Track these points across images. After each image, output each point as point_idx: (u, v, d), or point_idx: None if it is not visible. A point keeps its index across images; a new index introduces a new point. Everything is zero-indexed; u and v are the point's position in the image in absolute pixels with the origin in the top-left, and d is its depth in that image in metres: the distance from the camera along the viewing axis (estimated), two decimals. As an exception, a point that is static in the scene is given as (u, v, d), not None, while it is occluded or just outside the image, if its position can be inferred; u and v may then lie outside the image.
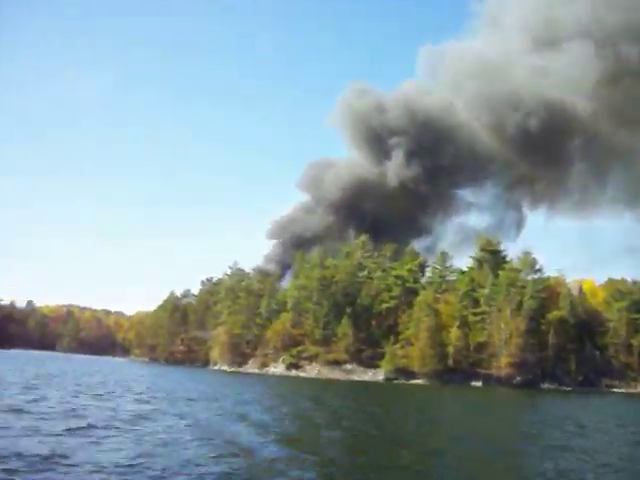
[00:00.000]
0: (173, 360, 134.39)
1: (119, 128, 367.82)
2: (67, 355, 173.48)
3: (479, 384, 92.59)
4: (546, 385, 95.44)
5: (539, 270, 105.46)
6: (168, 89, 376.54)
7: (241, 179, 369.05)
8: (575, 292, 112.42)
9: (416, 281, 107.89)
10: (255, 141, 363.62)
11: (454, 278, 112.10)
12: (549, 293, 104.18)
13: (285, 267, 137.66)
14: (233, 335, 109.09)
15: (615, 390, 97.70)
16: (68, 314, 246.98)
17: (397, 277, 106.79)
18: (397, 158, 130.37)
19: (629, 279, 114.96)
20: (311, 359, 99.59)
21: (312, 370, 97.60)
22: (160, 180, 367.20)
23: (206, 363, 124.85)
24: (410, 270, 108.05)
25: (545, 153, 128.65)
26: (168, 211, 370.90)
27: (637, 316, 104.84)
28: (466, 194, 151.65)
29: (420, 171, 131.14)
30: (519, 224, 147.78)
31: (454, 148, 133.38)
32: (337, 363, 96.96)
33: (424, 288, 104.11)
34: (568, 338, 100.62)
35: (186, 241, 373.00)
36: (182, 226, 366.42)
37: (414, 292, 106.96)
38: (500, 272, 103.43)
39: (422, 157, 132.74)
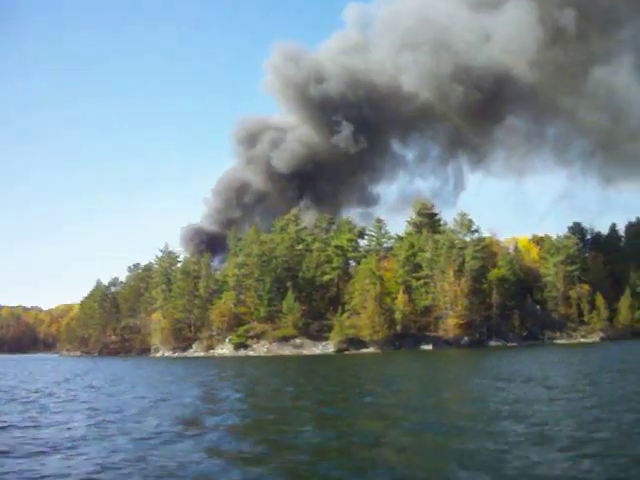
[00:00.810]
0: (107, 351, 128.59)
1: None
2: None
3: (429, 347, 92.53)
4: (493, 343, 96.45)
5: (476, 231, 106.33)
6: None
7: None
8: (510, 250, 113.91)
9: (356, 250, 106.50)
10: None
11: (390, 245, 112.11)
12: (487, 253, 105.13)
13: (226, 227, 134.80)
14: (173, 320, 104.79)
15: (557, 341, 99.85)
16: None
17: (337, 247, 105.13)
18: (344, 129, 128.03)
19: (555, 235, 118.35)
20: (258, 337, 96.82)
21: (261, 348, 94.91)
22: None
23: (143, 351, 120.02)
24: (349, 240, 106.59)
25: (486, 118, 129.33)
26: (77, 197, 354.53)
27: (572, 268, 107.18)
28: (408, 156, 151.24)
29: (364, 139, 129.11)
30: (458, 186, 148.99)
31: (396, 108, 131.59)
32: (286, 339, 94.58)
33: (365, 256, 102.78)
34: (509, 296, 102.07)
35: (99, 227, 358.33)
36: (93, 210, 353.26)
37: (355, 261, 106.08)
38: (438, 235, 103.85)
39: (366, 127, 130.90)
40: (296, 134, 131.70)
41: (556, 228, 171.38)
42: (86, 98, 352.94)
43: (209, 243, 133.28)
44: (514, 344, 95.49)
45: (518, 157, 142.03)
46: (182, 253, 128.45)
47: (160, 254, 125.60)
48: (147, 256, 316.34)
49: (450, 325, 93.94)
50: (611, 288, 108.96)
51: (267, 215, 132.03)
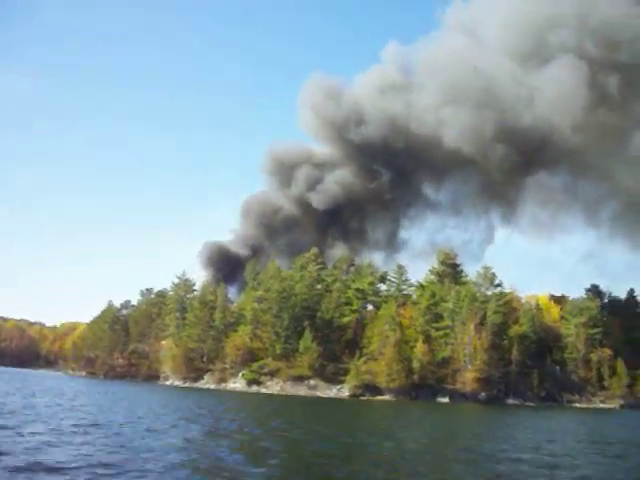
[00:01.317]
0: (113, 375, 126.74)
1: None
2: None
3: (446, 400, 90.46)
4: (510, 401, 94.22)
5: (498, 285, 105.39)
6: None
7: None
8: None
9: (377, 294, 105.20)
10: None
11: (409, 292, 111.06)
12: (508, 308, 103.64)
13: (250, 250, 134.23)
14: (186, 348, 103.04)
15: (576, 405, 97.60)
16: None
17: (357, 290, 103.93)
18: (383, 176, 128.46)
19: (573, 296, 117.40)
20: (272, 374, 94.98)
21: (274, 386, 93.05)
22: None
23: (149, 377, 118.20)
24: (370, 283, 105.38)
25: (521, 174, 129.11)
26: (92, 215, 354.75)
27: (594, 331, 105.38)
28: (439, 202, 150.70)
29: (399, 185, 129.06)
30: (487, 239, 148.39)
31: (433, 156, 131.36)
32: (300, 379, 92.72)
33: (385, 302, 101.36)
34: (529, 354, 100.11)
35: (113, 250, 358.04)
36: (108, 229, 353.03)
37: (374, 306, 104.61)
38: (460, 286, 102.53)
39: (403, 174, 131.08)
40: (335, 176, 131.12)
41: (576, 290, 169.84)
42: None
43: (229, 265, 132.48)
44: (532, 404, 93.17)
45: (548, 213, 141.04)
46: (200, 275, 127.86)
47: (176, 280, 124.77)
48: (159, 281, 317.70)
49: (468, 379, 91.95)
50: (629, 354, 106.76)
51: (292, 245, 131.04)
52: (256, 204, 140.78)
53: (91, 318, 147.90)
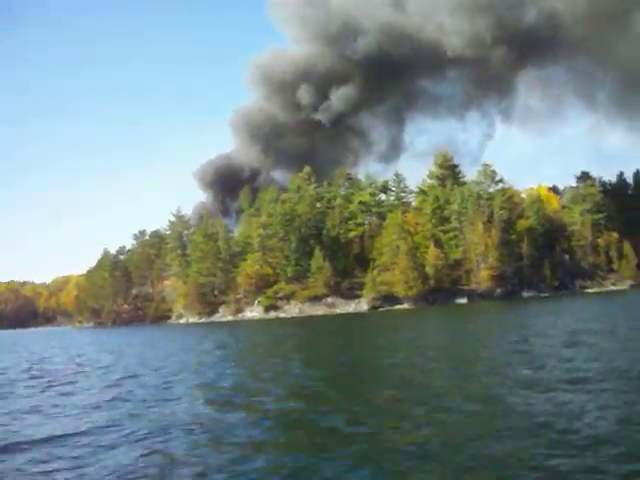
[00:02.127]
0: (120, 321, 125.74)
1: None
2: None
3: (464, 301, 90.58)
4: (526, 294, 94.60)
5: (500, 181, 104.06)
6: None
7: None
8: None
9: (380, 205, 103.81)
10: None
11: (409, 199, 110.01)
12: (511, 204, 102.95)
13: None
14: (197, 284, 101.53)
15: (588, 290, 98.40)
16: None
17: (361, 203, 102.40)
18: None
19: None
20: (287, 298, 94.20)
21: (292, 309, 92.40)
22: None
23: (157, 319, 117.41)
24: (372, 194, 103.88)
25: (516, 67, 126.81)
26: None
27: (598, 217, 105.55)
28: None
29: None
30: (487, 136, 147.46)
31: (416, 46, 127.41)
32: (317, 298, 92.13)
33: (390, 211, 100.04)
34: (538, 246, 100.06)
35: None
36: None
37: (378, 217, 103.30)
38: (460, 187, 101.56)
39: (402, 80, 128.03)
40: (338, 93, 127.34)
41: (565, 181, 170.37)
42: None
43: (232, 180, 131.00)
44: (546, 294, 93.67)
45: (546, 104, 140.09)
46: (199, 202, 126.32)
47: (172, 218, 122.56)
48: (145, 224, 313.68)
49: (483, 277, 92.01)
50: (631, 236, 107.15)
51: (286, 155, 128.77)
52: (246, 116, 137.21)
53: (83, 270, 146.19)
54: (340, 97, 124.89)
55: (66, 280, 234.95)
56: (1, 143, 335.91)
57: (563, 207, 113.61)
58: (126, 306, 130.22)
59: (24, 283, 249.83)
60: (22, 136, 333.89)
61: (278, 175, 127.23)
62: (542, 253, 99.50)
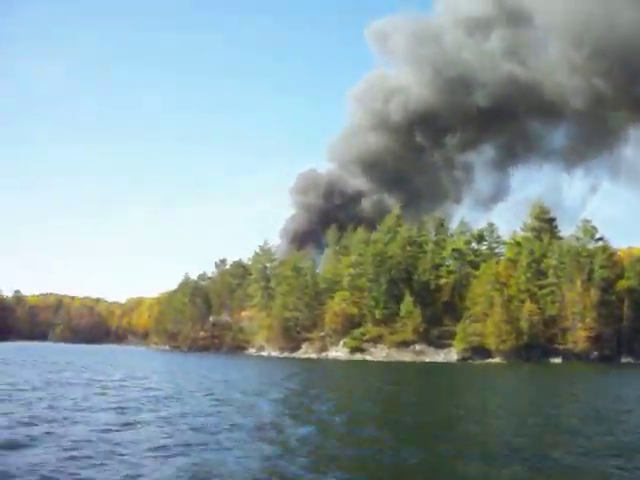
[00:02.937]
0: (195, 347, 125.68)
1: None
2: (72, 346, 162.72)
3: (558, 360, 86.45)
4: (624, 359, 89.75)
5: (600, 239, 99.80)
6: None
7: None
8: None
9: (476, 254, 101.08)
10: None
11: (500, 251, 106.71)
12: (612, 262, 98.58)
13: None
14: (282, 318, 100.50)
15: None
16: (58, 303, 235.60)
17: (454, 250, 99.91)
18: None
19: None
20: (374, 341, 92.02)
21: (379, 353, 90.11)
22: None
23: (232, 349, 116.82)
24: (467, 242, 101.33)
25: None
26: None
27: None
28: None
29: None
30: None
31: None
32: (404, 344, 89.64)
33: (484, 261, 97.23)
34: (638, 309, 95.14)
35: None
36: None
37: (473, 266, 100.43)
38: (556, 241, 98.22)
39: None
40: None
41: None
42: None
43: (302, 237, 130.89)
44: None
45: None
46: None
47: (258, 249, 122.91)
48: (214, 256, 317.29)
49: (579, 338, 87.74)
50: None
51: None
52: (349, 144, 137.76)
53: (155, 293, 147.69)
54: (454, 144, 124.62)
55: (139, 301, 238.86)
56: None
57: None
58: (202, 333, 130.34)
59: (98, 300, 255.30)
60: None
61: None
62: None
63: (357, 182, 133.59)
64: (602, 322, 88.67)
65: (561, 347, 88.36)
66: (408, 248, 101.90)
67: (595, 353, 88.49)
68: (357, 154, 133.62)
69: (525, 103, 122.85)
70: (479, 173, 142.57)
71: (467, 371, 65.64)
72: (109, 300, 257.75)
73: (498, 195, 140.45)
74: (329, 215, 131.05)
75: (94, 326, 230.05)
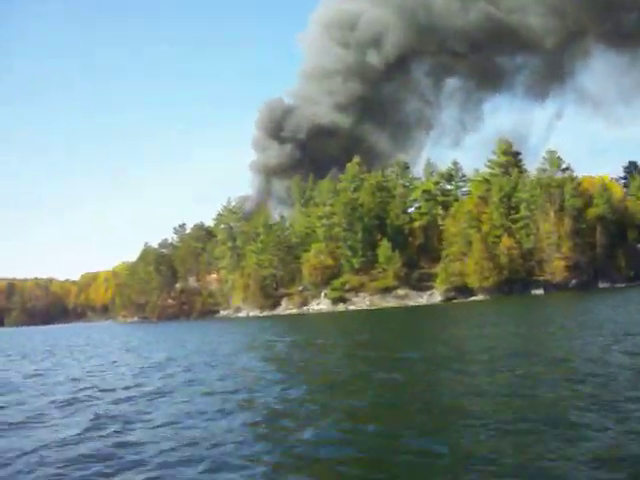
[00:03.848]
0: (165, 316, 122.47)
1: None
2: (34, 328, 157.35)
3: (540, 292, 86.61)
4: (601, 284, 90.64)
5: (567, 169, 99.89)
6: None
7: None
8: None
9: (445, 194, 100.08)
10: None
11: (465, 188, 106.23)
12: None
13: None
14: (259, 276, 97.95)
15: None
16: (10, 287, 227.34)
17: (424, 192, 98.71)
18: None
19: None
20: (355, 290, 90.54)
21: (362, 301, 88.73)
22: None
23: (204, 314, 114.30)
24: (436, 183, 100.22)
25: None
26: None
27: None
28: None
29: None
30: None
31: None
32: (387, 290, 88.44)
33: (457, 200, 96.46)
34: (610, 235, 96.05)
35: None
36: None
37: (444, 206, 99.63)
38: (524, 174, 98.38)
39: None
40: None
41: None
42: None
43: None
44: (622, 285, 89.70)
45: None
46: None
47: (220, 210, 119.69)
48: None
49: (557, 267, 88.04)
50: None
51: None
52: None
53: (110, 266, 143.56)
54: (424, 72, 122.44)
55: (94, 276, 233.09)
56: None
57: (628, 195, 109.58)
58: (170, 301, 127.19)
59: (51, 280, 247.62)
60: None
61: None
62: (614, 243, 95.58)
63: (325, 111, 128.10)
64: (577, 250, 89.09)
65: (541, 278, 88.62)
66: (377, 194, 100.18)
67: (573, 281, 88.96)
68: (324, 80, 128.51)
69: (496, 42, 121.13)
70: (446, 107, 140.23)
71: (455, 310, 64.61)
72: (61, 279, 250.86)
73: (465, 129, 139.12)
74: (302, 146, 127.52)
75: (50, 306, 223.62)
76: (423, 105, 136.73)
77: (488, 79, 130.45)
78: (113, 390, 17.62)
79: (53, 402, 15.97)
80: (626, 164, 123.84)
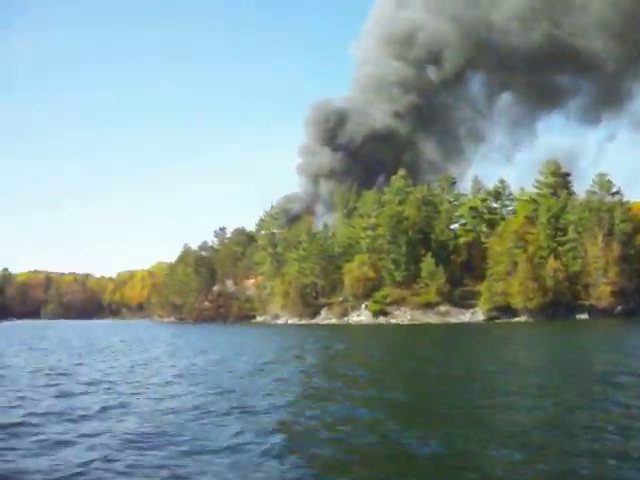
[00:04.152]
0: (202, 318, 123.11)
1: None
2: (75, 322, 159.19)
3: (585, 316, 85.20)
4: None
5: (617, 193, 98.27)
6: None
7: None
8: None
9: (492, 212, 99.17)
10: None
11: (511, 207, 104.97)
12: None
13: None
14: (300, 284, 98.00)
15: None
16: (48, 280, 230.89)
17: (471, 208, 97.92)
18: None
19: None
20: (397, 303, 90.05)
21: (403, 315, 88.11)
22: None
23: (240, 318, 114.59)
24: (483, 200, 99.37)
25: None
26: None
27: None
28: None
29: None
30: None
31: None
32: (428, 306, 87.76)
33: (503, 219, 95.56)
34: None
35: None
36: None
37: (490, 224, 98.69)
38: (580, 197, 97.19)
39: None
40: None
41: None
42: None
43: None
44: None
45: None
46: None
47: (263, 216, 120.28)
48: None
49: (603, 293, 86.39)
50: None
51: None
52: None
53: (147, 265, 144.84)
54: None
55: (131, 275, 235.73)
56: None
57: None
58: (207, 303, 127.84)
59: (87, 276, 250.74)
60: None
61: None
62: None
63: (380, 117, 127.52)
64: (625, 276, 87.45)
65: (586, 303, 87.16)
66: (423, 208, 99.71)
67: (619, 307, 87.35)
68: (380, 90, 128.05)
69: (555, 62, 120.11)
70: (499, 123, 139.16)
71: (499, 331, 63.77)
72: (97, 276, 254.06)
73: (517, 144, 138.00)
74: (354, 153, 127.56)
75: (86, 301, 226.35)
76: (475, 115, 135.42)
77: (544, 97, 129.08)
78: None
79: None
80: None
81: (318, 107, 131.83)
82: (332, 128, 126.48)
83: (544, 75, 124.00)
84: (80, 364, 28.68)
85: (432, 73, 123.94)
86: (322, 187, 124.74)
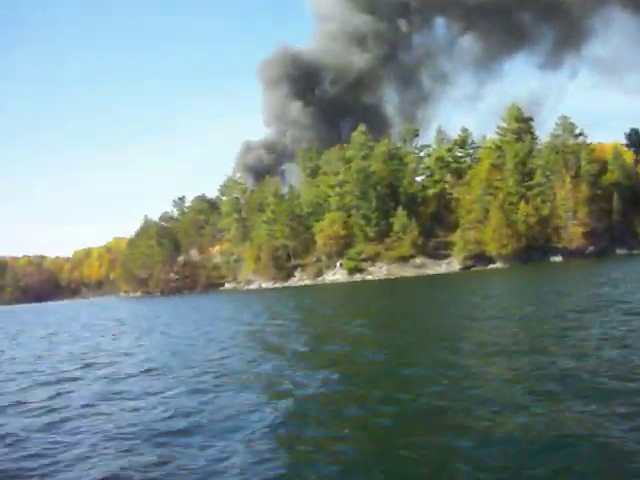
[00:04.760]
0: (169, 290, 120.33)
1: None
2: (35, 306, 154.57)
3: (559, 259, 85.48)
4: (619, 251, 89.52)
5: (580, 134, 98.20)
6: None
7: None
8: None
9: (458, 161, 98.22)
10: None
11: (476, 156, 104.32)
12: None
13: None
14: (271, 247, 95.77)
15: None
16: (2, 264, 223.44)
17: (438, 159, 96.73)
18: None
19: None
20: (372, 259, 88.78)
21: (379, 271, 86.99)
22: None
23: (209, 287, 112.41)
24: (449, 150, 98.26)
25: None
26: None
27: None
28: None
29: None
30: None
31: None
32: (404, 259, 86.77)
33: (470, 167, 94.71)
34: (625, 202, 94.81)
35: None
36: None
37: (456, 173, 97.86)
38: (537, 140, 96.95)
39: None
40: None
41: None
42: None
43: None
44: (639, 251, 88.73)
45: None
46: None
47: (224, 182, 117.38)
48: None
49: (574, 234, 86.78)
50: None
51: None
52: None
53: (103, 241, 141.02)
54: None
55: (87, 252, 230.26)
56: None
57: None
58: (173, 274, 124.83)
59: (43, 257, 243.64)
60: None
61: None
62: (629, 209, 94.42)
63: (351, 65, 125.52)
64: (594, 217, 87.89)
65: (559, 245, 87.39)
66: (389, 162, 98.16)
67: (591, 248, 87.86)
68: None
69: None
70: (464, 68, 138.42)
71: (479, 279, 62.95)
72: (52, 256, 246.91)
73: (479, 94, 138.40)
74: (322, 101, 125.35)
75: (44, 283, 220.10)
76: (440, 56, 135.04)
77: (507, 39, 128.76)
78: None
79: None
80: (628, 131, 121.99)
81: (282, 58, 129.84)
82: (300, 78, 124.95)
83: (509, 15, 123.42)
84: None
85: (403, 25, 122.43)
86: (288, 139, 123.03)
